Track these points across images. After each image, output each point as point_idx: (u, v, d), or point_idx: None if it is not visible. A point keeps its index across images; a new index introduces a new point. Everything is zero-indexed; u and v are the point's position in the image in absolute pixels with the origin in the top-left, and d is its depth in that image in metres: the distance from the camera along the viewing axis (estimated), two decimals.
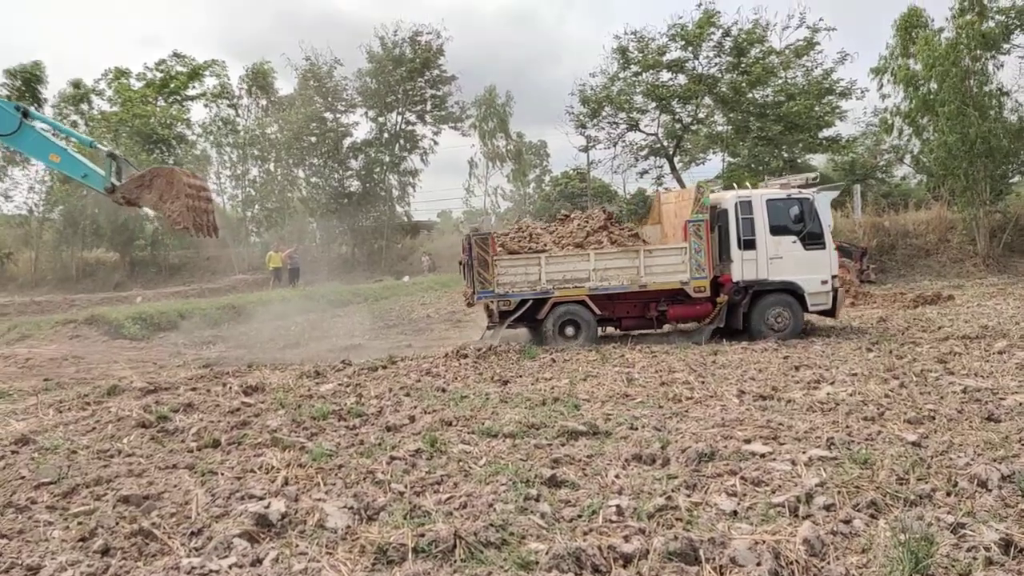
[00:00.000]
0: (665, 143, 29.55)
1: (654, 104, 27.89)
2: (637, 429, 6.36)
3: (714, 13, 25.51)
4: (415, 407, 7.45)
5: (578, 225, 13.05)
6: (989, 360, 9.33)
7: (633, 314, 12.51)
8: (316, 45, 49.89)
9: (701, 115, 28.64)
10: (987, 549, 3.65)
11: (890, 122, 27.89)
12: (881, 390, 7.54)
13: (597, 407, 7.41)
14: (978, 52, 23.50)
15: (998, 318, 14.31)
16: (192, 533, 4.26)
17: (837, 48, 34.82)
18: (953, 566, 3.53)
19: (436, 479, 5.03)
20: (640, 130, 29.36)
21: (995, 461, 5.06)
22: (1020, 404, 6.76)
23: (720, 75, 27.02)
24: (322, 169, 35.92)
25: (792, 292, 12.10)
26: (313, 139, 35.20)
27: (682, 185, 30.20)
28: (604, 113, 28.64)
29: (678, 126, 29.00)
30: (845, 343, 11.16)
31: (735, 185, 14.20)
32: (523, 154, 37.91)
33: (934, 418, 6.39)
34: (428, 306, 22.71)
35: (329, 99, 35.45)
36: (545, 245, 12.48)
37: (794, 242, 12.01)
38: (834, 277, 12.19)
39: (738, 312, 12.13)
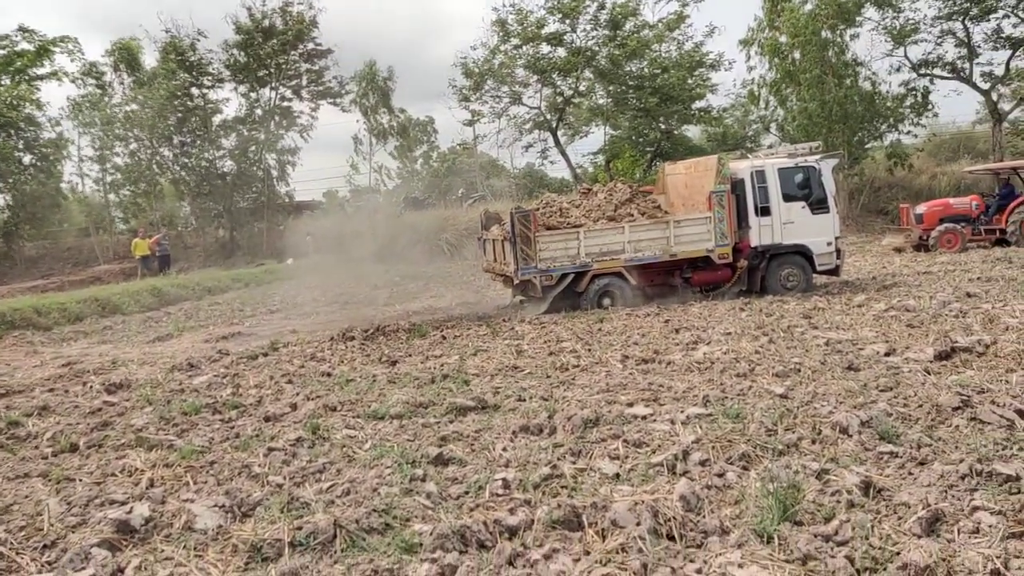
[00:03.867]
0: (548, 116, 29.81)
1: (536, 77, 28.02)
2: (525, 400, 6.37)
3: None
4: (297, 394, 7.14)
5: (604, 198, 13.28)
6: (849, 314, 10.02)
7: (659, 282, 12.96)
8: (179, 17, 46.47)
9: (582, 88, 29.06)
10: (849, 492, 3.89)
11: (757, 93, 29.42)
12: (752, 347, 7.93)
13: (486, 381, 7.37)
14: (835, 24, 25.06)
15: (857, 274, 15.50)
16: (44, 546, 3.87)
17: (706, 21, 35.79)
18: (819, 511, 3.74)
19: (318, 468, 4.82)
20: (523, 103, 29.52)
21: (855, 408, 5.42)
22: (877, 353, 7.30)
23: (598, 48, 27.47)
24: (191, 149, 33.73)
25: (803, 254, 12.85)
26: (179, 116, 32.92)
27: (566, 158, 30.72)
28: (487, 87, 28.53)
29: (560, 99, 29.31)
30: (721, 304, 11.69)
31: (747, 155, 14.63)
32: (408, 130, 37.10)
33: (799, 371, 6.78)
34: (314, 288, 21.96)
35: (194, 73, 33.20)
36: (576, 219, 12.67)
37: (803, 207, 12.71)
38: (837, 239, 13.02)
39: (756, 275, 12.82)
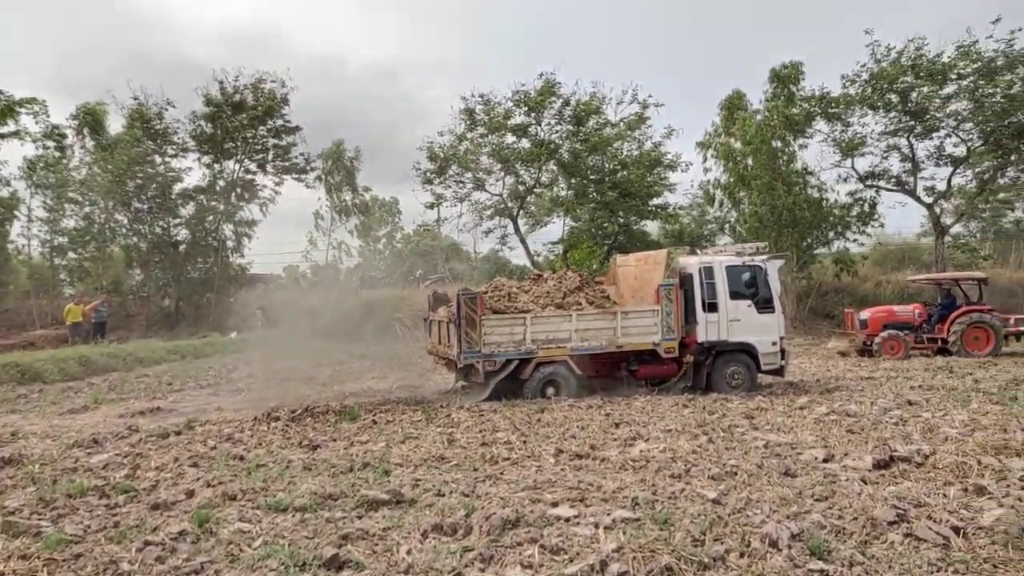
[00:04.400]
0: (509, 204, 30.22)
1: (499, 166, 28.57)
2: (444, 496, 5.93)
3: (555, 83, 26.82)
4: (198, 479, 6.56)
5: (554, 285, 13.17)
6: (791, 416, 9.84)
7: (604, 373, 12.77)
8: (148, 86, 46.80)
9: (544, 179, 29.69)
10: None
11: (712, 193, 30.40)
12: (690, 446, 7.64)
13: (409, 472, 6.91)
14: (783, 134, 26.25)
15: (802, 375, 15.50)
16: None
17: (665, 123, 37.30)
18: None
19: (194, 568, 4.30)
20: (486, 190, 29.92)
21: (788, 518, 5.13)
22: (815, 459, 7.07)
23: (561, 142, 28.25)
24: (146, 215, 33.17)
25: (748, 352, 12.79)
26: (138, 182, 32.52)
27: (525, 246, 30.96)
28: (451, 171, 28.91)
29: (522, 188, 29.82)
30: (665, 400, 11.45)
31: (697, 251, 14.72)
32: (371, 209, 37.20)
33: (736, 474, 6.49)
34: (253, 363, 21.20)
35: (158, 141, 33.08)
36: (524, 304, 12.47)
37: (749, 306, 12.76)
38: (782, 338, 13.01)
39: (702, 371, 12.65)
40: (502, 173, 29.18)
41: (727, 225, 31.55)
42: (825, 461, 7.04)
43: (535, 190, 30.19)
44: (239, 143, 34.50)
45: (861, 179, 28.86)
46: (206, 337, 27.39)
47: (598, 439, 8.31)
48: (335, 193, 34.89)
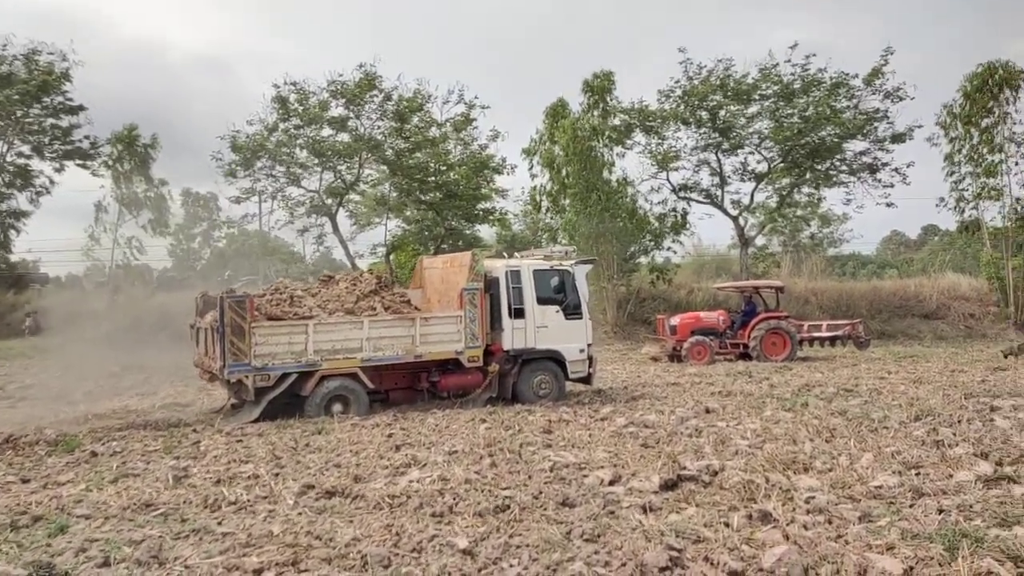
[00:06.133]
0: (328, 201, 28.23)
1: (316, 160, 26.53)
2: (110, 565, 4.39)
3: (375, 76, 25.29)
4: None
5: (346, 288, 11.64)
6: (591, 428, 9.20)
7: (402, 385, 11.73)
8: None
9: (365, 176, 27.98)
10: None
11: (538, 200, 30.28)
12: (468, 473, 6.59)
13: (93, 528, 5.27)
14: (596, 144, 26.54)
15: (613, 382, 15.23)
16: None
17: (492, 126, 36.81)
18: None
19: None
20: (301, 186, 27.74)
21: (547, 569, 4.18)
22: (601, 482, 6.30)
23: (384, 138, 26.77)
24: None
25: (556, 360, 12.15)
26: None
27: (345, 247, 29.09)
28: (261, 164, 26.45)
29: (342, 185, 27.95)
30: (464, 414, 10.44)
31: (504, 255, 13.72)
32: (168, 203, 33.30)
33: (507, 508, 5.52)
34: (11, 377, 17.92)
35: None
36: (309, 310, 10.82)
37: (557, 312, 12.12)
38: (589, 346, 12.43)
39: (508, 380, 11.85)
40: (319, 168, 27.13)
41: (554, 232, 31.63)
42: (611, 483, 6.30)
43: (356, 188, 28.41)
44: (10, 121, 29.67)
45: (674, 190, 30.02)
46: None
47: (367, 467, 7.07)
48: (123, 183, 30.81)
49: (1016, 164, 28.06)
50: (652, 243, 28.77)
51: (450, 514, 5.44)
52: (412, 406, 11.41)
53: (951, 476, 6.07)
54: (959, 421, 8.55)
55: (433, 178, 26.92)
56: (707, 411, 10.31)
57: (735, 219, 30.52)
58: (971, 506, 5.13)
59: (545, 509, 5.52)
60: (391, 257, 29.32)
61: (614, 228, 25.57)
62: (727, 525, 5.05)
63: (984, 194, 28.19)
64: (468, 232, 32.02)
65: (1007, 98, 27.53)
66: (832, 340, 20.51)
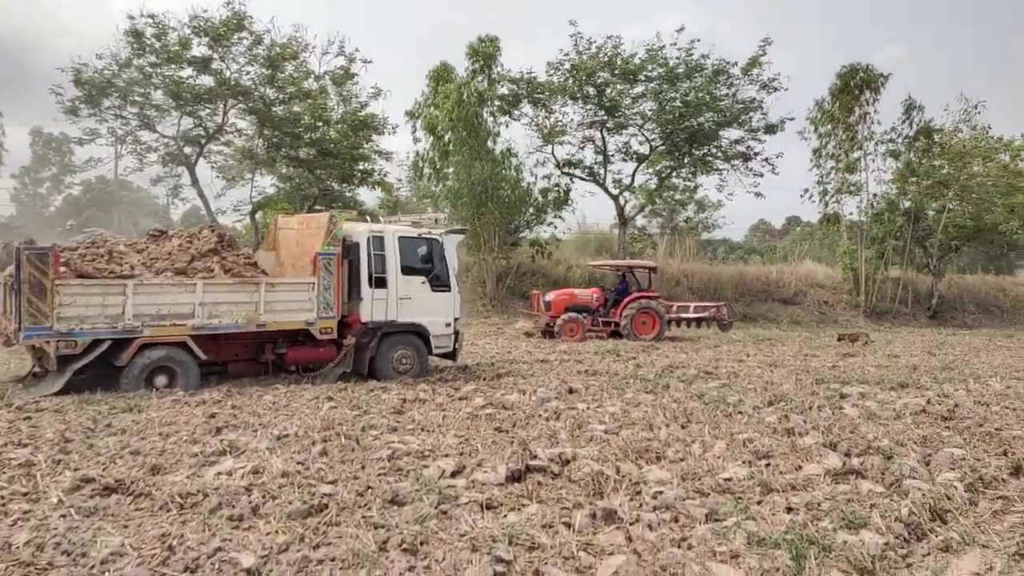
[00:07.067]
0: (186, 150, 25.76)
1: (173, 104, 24.01)
2: None
3: (244, 15, 23.06)
4: None
5: (179, 246, 10.14)
6: (447, 409, 8.57)
7: (244, 357, 10.62)
8: None
9: (229, 125, 25.68)
10: None
11: (421, 166, 29.13)
12: (290, 464, 5.75)
13: None
14: (480, 111, 25.75)
15: (483, 357, 14.70)
16: None
17: (374, 83, 34.96)
18: None
19: None
20: (155, 130, 25.07)
21: None
22: (442, 473, 5.67)
23: (253, 86, 24.63)
24: None
25: (419, 334, 11.46)
26: None
27: (204, 200, 26.77)
28: (108, 104, 23.63)
29: (201, 133, 25.53)
30: (309, 391, 9.51)
31: (367, 219, 12.58)
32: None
33: (324, 508, 4.75)
34: None
35: None
36: (132, 268, 9.34)
37: (423, 283, 11.47)
38: (456, 320, 11.85)
39: (365, 355, 10.98)
40: (176, 113, 24.60)
41: (436, 199, 30.63)
42: (453, 475, 5.68)
43: (219, 138, 26.07)
44: None
45: (559, 166, 29.80)
46: None
47: (172, 455, 6.07)
48: None
49: (874, 162, 30.02)
50: (534, 217, 28.44)
51: (252, 517, 4.61)
52: (254, 381, 10.35)
53: (800, 468, 5.89)
54: (810, 408, 8.59)
55: (307, 134, 25.08)
56: (570, 391, 9.97)
57: (615, 198, 30.73)
58: (819, 504, 4.90)
59: (369, 509, 4.81)
60: (257, 216, 27.29)
61: (498, 199, 24.93)
62: (568, 526, 4.55)
63: (844, 189, 29.89)
64: (348, 195, 30.44)
65: (867, 99, 29.20)
66: (698, 321, 21.02)
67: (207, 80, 23.98)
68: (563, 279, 27.94)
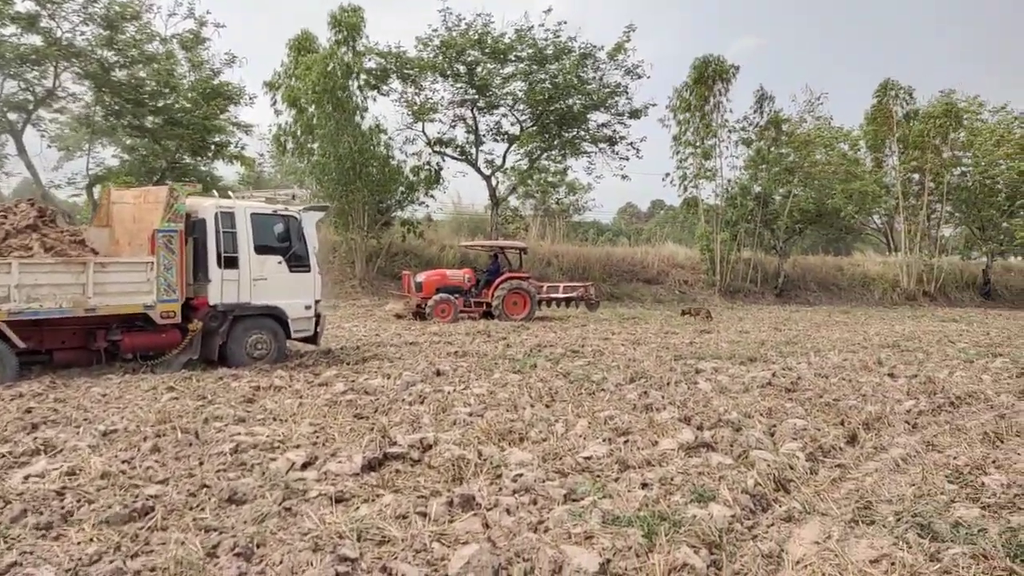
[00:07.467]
0: (12, 116, 22.94)
1: None
2: None
3: None
4: None
5: None
6: (304, 396, 8.14)
7: (72, 345, 9.56)
8: None
9: (61, 90, 23.09)
10: None
11: (283, 140, 27.63)
12: (115, 462, 5.16)
13: None
14: (355, 85, 24.80)
15: (348, 340, 14.13)
16: None
17: (228, 49, 32.89)
18: None
19: None
20: None
21: None
22: (291, 465, 5.28)
23: (90, 48, 22.24)
24: None
25: (276, 317, 10.77)
26: None
27: (32, 171, 24.03)
28: None
29: (28, 98, 22.81)
30: (146, 381, 8.69)
31: (215, 193, 11.35)
32: None
33: (150, 511, 4.26)
34: None
35: None
36: None
37: (280, 263, 10.76)
38: (317, 302, 11.24)
39: (214, 340, 10.23)
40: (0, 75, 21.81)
41: (301, 175, 29.23)
42: (304, 467, 5.31)
43: (50, 103, 23.41)
44: None
45: (429, 144, 29.31)
46: None
47: None
48: None
49: (727, 149, 31.79)
50: (405, 196, 27.81)
51: (63, 525, 4.05)
52: (85, 371, 9.33)
53: (656, 443, 6.01)
54: (668, 384, 8.88)
55: (152, 101, 23.02)
56: (438, 374, 9.75)
57: (487, 179, 30.69)
58: (672, 479, 4.98)
59: (202, 510, 4.36)
60: (95, 190, 24.85)
61: (367, 176, 24.10)
62: (424, 516, 4.33)
63: (701, 174, 31.47)
64: (203, 169, 28.39)
65: (720, 89, 30.82)
66: (567, 301, 21.42)
67: (34, 39, 21.38)
68: (436, 259, 27.61)
